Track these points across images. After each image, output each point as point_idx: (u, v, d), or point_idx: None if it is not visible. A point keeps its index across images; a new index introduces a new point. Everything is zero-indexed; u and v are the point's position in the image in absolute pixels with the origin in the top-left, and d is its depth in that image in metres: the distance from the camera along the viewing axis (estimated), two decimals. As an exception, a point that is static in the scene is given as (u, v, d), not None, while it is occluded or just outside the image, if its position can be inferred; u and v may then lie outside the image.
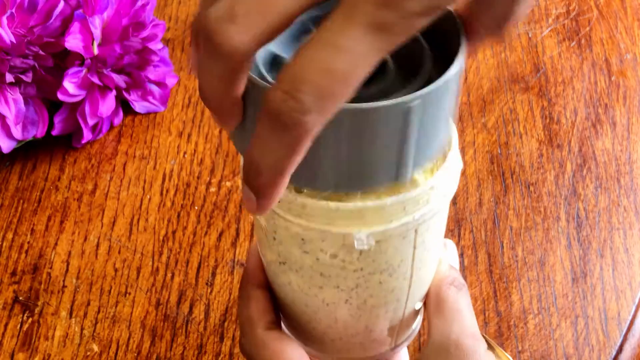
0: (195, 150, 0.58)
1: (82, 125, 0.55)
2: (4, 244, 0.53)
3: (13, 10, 0.50)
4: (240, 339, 0.38)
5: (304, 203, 0.30)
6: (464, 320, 0.36)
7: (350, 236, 0.31)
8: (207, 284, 0.51)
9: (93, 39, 0.53)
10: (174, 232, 0.54)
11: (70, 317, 0.50)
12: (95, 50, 0.53)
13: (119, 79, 0.56)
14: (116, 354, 0.48)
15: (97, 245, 0.53)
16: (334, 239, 0.31)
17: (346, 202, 0.30)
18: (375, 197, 0.30)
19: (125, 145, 0.58)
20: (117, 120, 0.58)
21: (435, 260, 0.37)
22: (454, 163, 0.32)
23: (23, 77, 0.52)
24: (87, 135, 0.56)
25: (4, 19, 0.50)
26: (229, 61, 0.23)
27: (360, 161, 0.27)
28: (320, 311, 0.35)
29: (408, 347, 0.42)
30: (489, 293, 0.51)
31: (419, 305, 0.38)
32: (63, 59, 0.54)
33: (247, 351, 0.37)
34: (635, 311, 0.50)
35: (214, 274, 0.51)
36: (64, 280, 0.51)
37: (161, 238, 0.53)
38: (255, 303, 0.37)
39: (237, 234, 0.53)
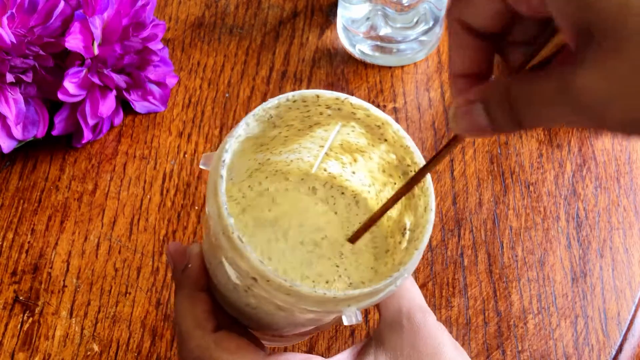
0: (195, 150, 0.58)
1: (83, 125, 0.55)
2: (5, 244, 0.53)
3: (13, 11, 0.50)
4: (183, 345, 0.37)
5: (298, 291, 0.32)
6: (410, 294, 0.38)
7: (338, 312, 0.34)
8: (207, 283, 0.51)
9: (93, 39, 0.53)
10: (174, 232, 0.54)
11: (71, 316, 0.50)
12: (96, 51, 0.53)
13: (119, 79, 0.56)
14: (116, 353, 0.48)
15: (98, 245, 0.53)
16: (317, 313, 0.34)
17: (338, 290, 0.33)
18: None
19: (126, 145, 0.58)
20: (118, 120, 0.59)
21: None
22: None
23: (23, 77, 0.53)
24: (87, 135, 0.56)
25: (4, 19, 0.50)
26: None
27: None
28: (272, 317, 0.37)
29: (359, 330, 0.42)
30: (489, 293, 0.51)
31: None
32: (63, 59, 0.54)
33: (196, 357, 0.36)
34: (635, 311, 0.50)
35: (214, 274, 0.51)
36: (64, 280, 0.51)
37: (161, 238, 0.53)
38: (201, 306, 0.37)
39: (237, 234, 0.53)
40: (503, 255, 0.53)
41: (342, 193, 0.42)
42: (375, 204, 0.42)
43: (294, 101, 0.38)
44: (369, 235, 0.41)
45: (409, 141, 0.38)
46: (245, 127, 0.37)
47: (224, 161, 0.35)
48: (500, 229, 0.54)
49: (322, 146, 0.41)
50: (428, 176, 0.37)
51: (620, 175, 0.56)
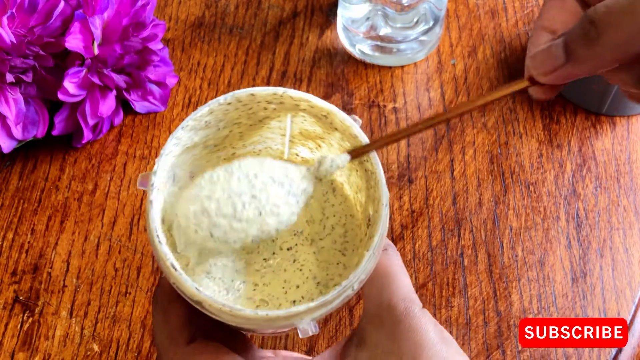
0: (195, 150, 0.58)
1: (83, 125, 0.55)
2: (5, 244, 0.53)
3: (13, 11, 0.50)
4: (159, 357, 0.37)
5: (241, 315, 0.32)
6: (393, 283, 0.36)
7: (292, 326, 0.33)
8: (207, 283, 0.51)
9: (93, 39, 0.53)
10: (174, 232, 0.54)
11: (71, 316, 0.50)
12: (96, 50, 0.53)
13: (119, 79, 0.56)
14: (116, 353, 0.48)
15: (98, 245, 0.53)
16: (274, 327, 0.33)
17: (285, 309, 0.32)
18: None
19: (126, 145, 0.58)
20: (118, 120, 0.59)
21: None
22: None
23: (23, 77, 0.53)
24: (87, 135, 0.56)
25: (5, 19, 0.50)
26: None
27: None
28: (239, 326, 0.37)
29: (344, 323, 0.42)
30: (489, 293, 0.51)
31: None
32: (63, 59, 0.54)
33: None
34: (635, 311, 0.50)
35: (214, 274, 0.51)
36: (64, 280, 0.51)
37: (161, 238, 0.53)
38: (175, 318, 0.36)
39: (237, 234, 0.53)
40: (503, 255, 0.53)
41: (320, 179, 0.41)
42: (349, 190, 0.41)
43: (229, 103, 0.37)
44: (341, 230, 0.40)
45: (356, 129, 0.37)
46: (176, 142, 0.36)
47: (152, 185, 0.34)
48: (500, 229, 0.54)
49: (284, 135, 0.40)
50: (380, 169, 0.36)
51: (620, 175, 0.56)
